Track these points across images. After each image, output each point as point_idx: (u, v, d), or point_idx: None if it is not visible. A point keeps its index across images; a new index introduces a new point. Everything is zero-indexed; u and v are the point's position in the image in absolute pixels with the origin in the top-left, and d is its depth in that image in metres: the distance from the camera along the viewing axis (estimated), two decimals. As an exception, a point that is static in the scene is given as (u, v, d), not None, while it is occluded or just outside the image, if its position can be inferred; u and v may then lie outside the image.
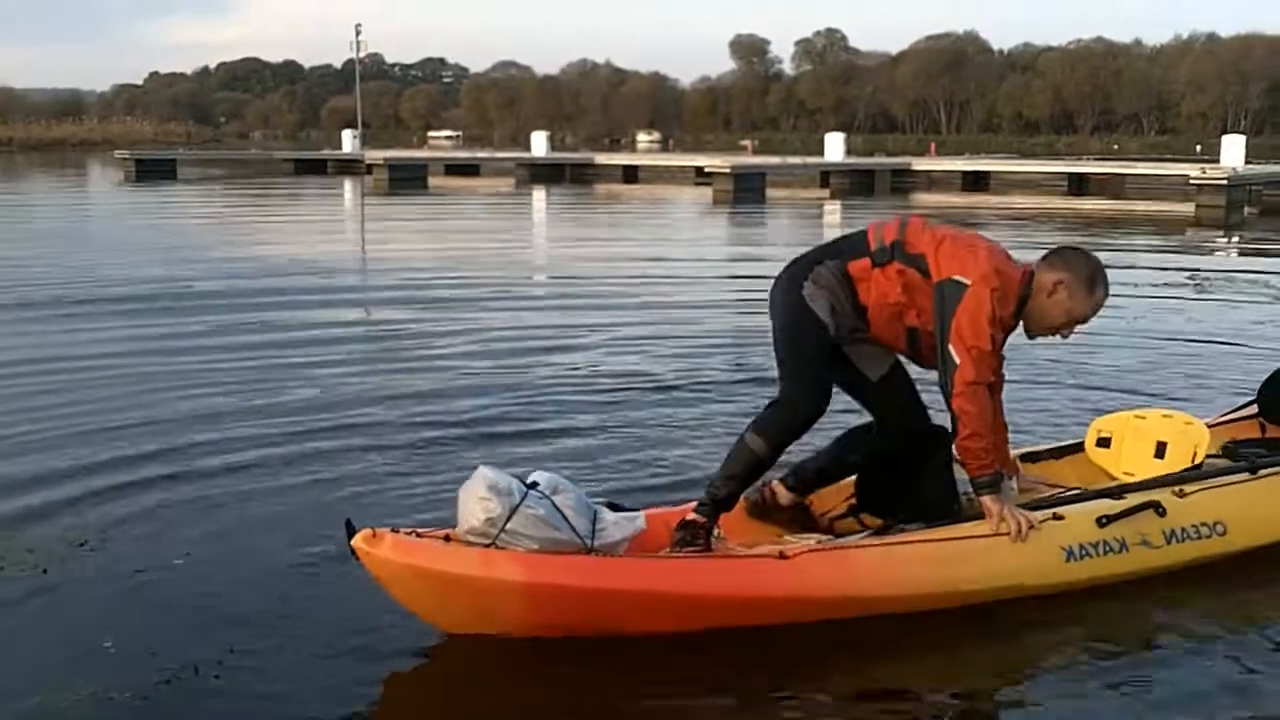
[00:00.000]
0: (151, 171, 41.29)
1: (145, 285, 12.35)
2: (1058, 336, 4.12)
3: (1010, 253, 4.11)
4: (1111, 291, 4.22)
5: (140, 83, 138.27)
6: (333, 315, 10.53)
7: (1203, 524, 4.24)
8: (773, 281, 4.24)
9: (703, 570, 3.77)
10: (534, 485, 3.69)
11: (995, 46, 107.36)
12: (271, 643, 3.79)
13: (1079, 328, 4.14)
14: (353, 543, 3.56)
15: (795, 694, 3.57)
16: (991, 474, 3.96)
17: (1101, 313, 4.21)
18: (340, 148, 52.41)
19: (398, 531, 3.60)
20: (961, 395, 3.86)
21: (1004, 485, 4.08)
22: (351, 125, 57.96)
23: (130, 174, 40.82)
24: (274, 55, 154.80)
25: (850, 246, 4.13)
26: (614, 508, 3.88)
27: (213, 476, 5.53)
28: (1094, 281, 4.06)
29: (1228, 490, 4.41)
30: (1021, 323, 4.08)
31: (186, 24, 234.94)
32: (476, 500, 3.60)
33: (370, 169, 40.59)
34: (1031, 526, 3.96)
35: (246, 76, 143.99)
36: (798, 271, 4.13)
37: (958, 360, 3.85)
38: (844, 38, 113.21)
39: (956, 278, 3.89)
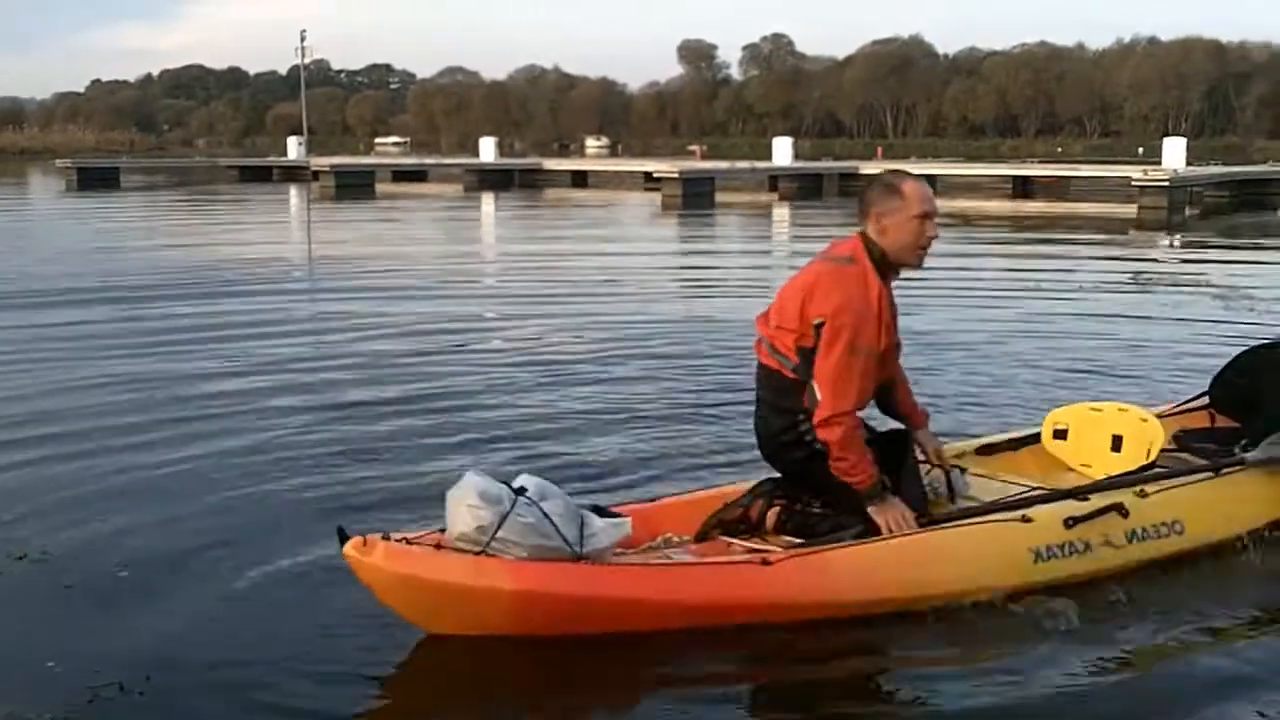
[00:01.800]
0: (94, 180, 40.82)
1: (79, 287, 12.20)
2: (931, 242, 4.12)
3: (833, 244, 4.18)
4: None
5: (82, 90, 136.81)
6: (275, 315, 10.39)
7: (1162, 524, 4.33)
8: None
9: (689, 577, 3.83)
10: (522, 490, 3.71)
11: (940, 51, 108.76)
12: (206, 660, 3.69)
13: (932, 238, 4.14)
14: (344, 551, 3.56)
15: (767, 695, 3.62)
16: (869, 487, 4.00)
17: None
18: (286, 155, 52.01)
19: (389, 538, 3.60)
20: (824, 428, 3.97)
21: (888, 496, 4.06)
22: (297, 132, 57.61)
23: (72, 183, 40.32)
24: (218, 62, 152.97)
25: (794, 403, 4.09)
26: (597, 510, 3.92)
27: (154, 485, 5.40)
28: (892, 187, 4.09)
29: (1185, 490, 4.49)
30: (901, 261, 4.11)
31: (129, 31, 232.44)
32: (466, 508, 3.61)
33: (316, 175, 40.27)
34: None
35: (190, 84, 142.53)
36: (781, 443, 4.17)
37: (819, 396, 3.97)
38: (790, 43, 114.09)
39: (817, 320, 3.99)
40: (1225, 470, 4.63)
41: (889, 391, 4.34)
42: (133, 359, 8.43)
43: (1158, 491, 4.40)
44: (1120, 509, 4.23)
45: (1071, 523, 4.14)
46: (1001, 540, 4.07)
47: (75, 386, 7.46)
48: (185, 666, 3.64)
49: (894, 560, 3.93)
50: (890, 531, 3.98)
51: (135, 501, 5.17)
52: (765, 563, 3.83)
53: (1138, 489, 4.36)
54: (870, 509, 4.01)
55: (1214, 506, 4.51)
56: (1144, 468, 4.57)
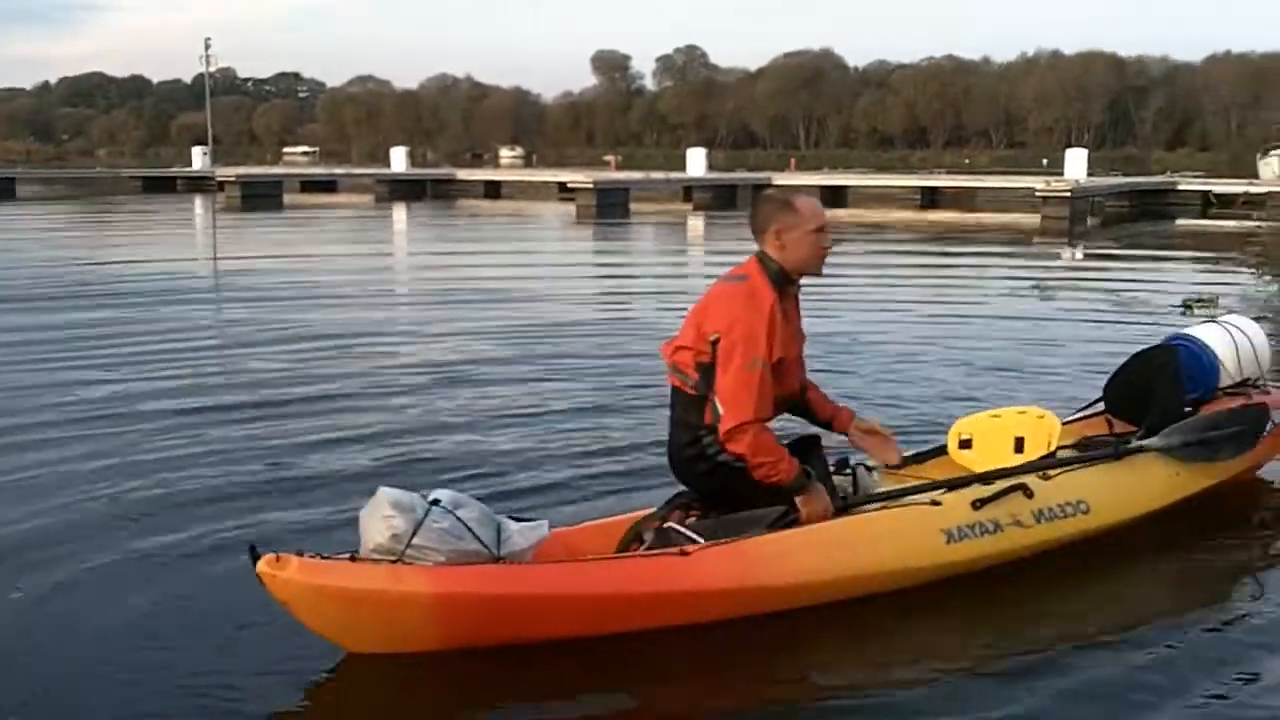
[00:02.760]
0: (-11, 190, 39.69)
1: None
2: (827, 254, 4.26)
3: (733, 269, 4.25)
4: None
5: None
6: (177, 328, 10.13)
7: (1067, 504, 4.52)
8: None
9: (609, 571, 3.86)
10: (436, 502, 3.69)
11: (851, 63, 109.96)
12: (106, 688, 3.56)
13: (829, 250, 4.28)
14: (258, 568, 3.50)
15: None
16: (794, 480, 4.09)
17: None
18: (191, 165, 51.08)
19: (302, 555, 3.55)
20: (731, 440, 4.05)
21: (814, 484, 4.16)
22: (202, 142, 56.62)
23: (-36, 193, 39.16)
24: (120, 69, 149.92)
25: (696, 418, 4.16)
26: (514, 519, 3.91)
27: (47, 499, 5.21)
28: (787, 204, 4.23)
29: (1087, 472, 4.72)
30: (804, 273, 4.24)
31: (25, 37, 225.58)
32: (380, 519, 3.59)
33: (222, 186, 39.58)
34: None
35: (90, 92, 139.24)
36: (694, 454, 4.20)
37: (721, 411, 4.06)
38: (704, 54, 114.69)
39: (712, 335, 4.10)
40: (1124, 454, 4.86)
41: (804, 402, 4.44)
42: (23, 368, 8.19)
43: (1060, 474, 4.61)
44: (1025, 489, 4.43)
45: (979, 504, 4.33)
46: (913, 523, 4.23)
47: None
48: (84, 692, 3.52)
49: (809, 546, 4.03)
50: (810, 521, 4.07)
51: (29, 515, 4.99)
52: (683, 553, 3.89)
53: (1041, 472, 4.56)
54: (798, 500, 4.09)
55: (1115, 489, 4.74)
56: (1046, 457, 4.74)
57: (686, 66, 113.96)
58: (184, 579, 4.35)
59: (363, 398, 7.39)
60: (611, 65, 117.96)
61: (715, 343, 4.07)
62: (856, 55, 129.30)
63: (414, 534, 3.56)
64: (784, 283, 4.19)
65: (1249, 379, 5.54)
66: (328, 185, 46.55)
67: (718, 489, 4.22)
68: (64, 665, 3.67)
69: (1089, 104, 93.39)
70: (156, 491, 5.36)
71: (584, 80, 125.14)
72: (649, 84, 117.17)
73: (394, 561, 3.56)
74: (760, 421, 4.04)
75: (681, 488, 4.36)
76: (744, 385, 4.01)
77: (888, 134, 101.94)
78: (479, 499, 3.96)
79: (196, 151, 52.60)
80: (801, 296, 4.35)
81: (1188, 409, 5.31)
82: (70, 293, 12.86)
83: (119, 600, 4.15)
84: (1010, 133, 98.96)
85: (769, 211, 4.23)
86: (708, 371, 4.11)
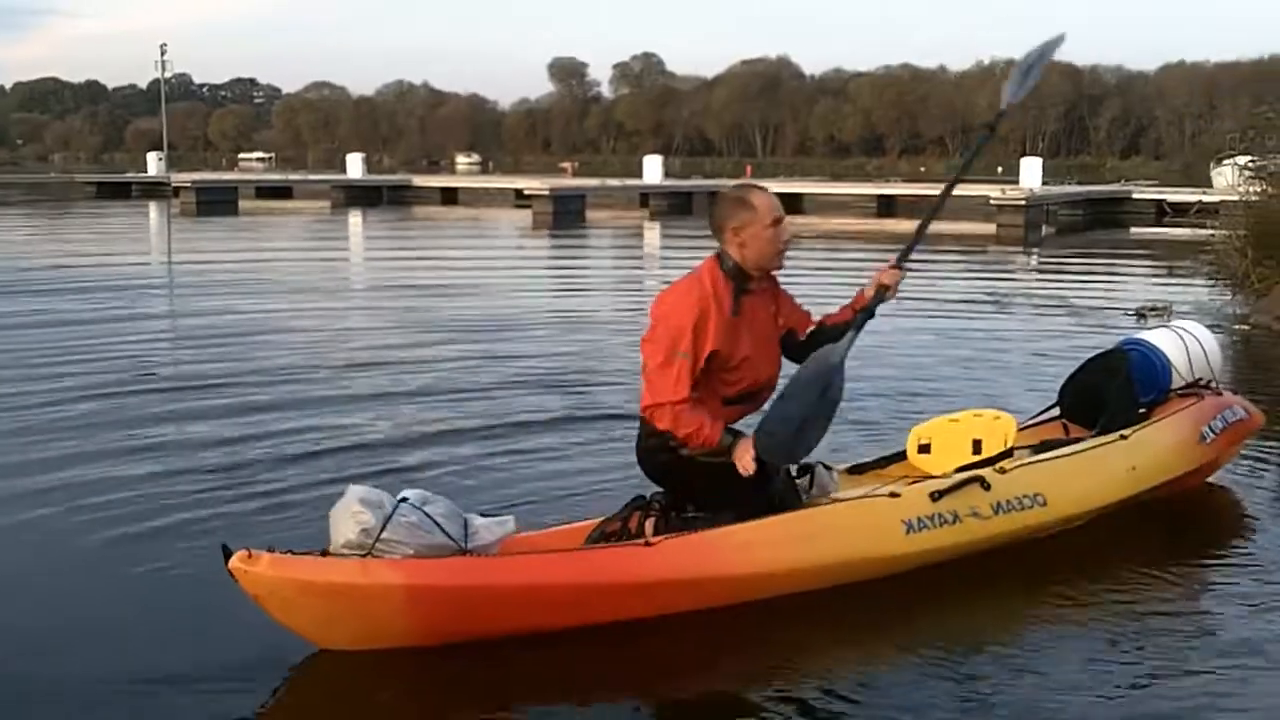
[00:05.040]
0: (-62, 195, 39.09)
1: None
2: (785, 248, 4.25)
3: (698, 270, 4.24)
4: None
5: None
6: (135, 331, 10.02)
7: (1024, 496, 4.61)
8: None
9: (575, 561, 3.93)
10: (404, 498, 3.77)
11: (807, 72, 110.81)
12: (73, 687, 3.53)
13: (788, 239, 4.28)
14: (229, 564, 3.55)
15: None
16: (719, 443, 4.08)
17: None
18: (146, 171, 50.61)
19: (273, 551, 3.61)
20: (654, 419, 4.13)
21: (743, 438, 4.15)
22: (157, 147, 56.11)
23: (-86, 198, 38.57)
24: (74, 75, 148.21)
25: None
26: (481, 515, 3.96)
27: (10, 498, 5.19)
28: (742, 200, 4.22)
29: (1043, 465, 4.81)
30: (764, 268, 4.24)
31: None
32: (350, 515, 3.66)
33: (177, 192, 39.22)
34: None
35: (45, 97, 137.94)
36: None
37: (642, 389, 4.19)
38: (660, 62, 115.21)
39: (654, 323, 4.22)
40: (1074, 449, 4.96)
41: (820, 333, 4.49)
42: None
43: (1016, 467, 4.70)
44: (981, 481, 4.52)
45: (937, 495, 4.41)
46: (873, 514, 4.33)
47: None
48: (44, 692, 3.50)
49: (771, 537, 4.10)
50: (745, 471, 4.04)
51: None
52: (648, 544, 3.97)
53: (997, 466, 4.64)
54: (734, 459, 4.05)
55: (1072, 482, 4.81)
56: (1002, 455, 4.81)
57: (643, 74, 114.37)
58: (149, 576, 4.36)
59: (325, 400, 7.38)
60: (568, 72, 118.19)
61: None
62: (813, 63, 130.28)
63: (383, 529, 3.63)
64: (742, 280, 4.20)
65: (1200, 380, 5.61)
66: (283, 191, 46.16)
67: (678, 482, 4.25)
68: (24, 664, 3.65)
69: (1044, 112, 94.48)
70: (119, 490, 5.35)
71: (541, 87, 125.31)
72: (606, 91, 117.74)
73: (364, 556, 3.62)
74: (675, 402, 4.08)
75: (641, 491, 4.37)
76: (664, 370, 4.10)
77: (844, 142, 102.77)
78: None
79: (151, 157, 52.11)
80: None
81: (1141, 410, 5.38)
82: (21, 289, 12.75)
83: (81, 600, 4.16)
84: (966, 140, 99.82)
85: (725, 209, 4.24)
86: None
